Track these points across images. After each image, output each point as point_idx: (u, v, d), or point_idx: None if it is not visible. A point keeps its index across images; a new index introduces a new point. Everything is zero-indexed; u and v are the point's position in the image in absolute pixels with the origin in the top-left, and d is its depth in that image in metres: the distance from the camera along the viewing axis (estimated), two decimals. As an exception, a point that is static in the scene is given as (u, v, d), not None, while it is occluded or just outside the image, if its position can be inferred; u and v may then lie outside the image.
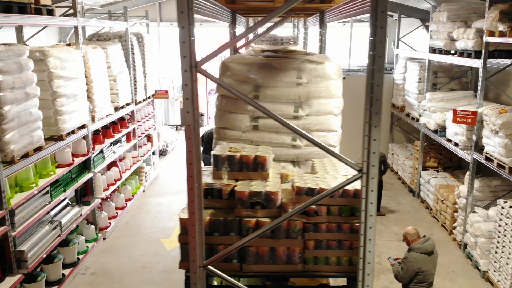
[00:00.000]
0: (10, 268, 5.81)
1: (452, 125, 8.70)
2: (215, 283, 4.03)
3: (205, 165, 10.95)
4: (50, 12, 6.69)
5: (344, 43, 15.89)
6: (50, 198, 6.71)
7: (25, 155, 5.97)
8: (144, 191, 11.44)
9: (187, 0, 2.32)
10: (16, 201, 5.81)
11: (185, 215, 2.88)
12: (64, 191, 7.19)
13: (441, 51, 9.71)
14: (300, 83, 3.86)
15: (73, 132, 7.33)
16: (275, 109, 3.95)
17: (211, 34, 19.37)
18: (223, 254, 2.70)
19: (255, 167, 3.02)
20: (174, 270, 7.67)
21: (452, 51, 9.25)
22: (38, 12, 6.32)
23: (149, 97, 12.11)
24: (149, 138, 12.26)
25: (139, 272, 7.63)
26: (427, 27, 10.98)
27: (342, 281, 3.03)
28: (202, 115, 20.04)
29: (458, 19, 9.23)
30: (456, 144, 8.65)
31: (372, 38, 2.30)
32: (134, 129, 10.74)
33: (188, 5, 2.34)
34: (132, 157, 10.63)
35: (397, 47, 12.96)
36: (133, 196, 10.52)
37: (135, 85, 10.75)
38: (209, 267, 2.70)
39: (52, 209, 6.84)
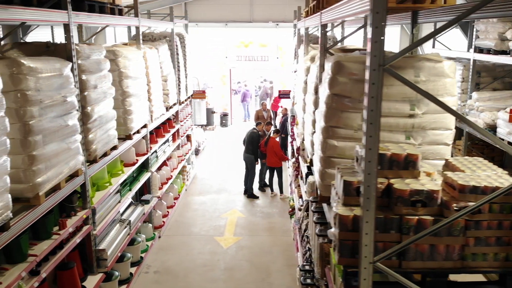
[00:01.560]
0: (90, 267, 5.85)
1: (506, 124, 8.69)
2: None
3: (246, 165, 10.98)
4: (120, 12, 6.74)
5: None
6: (120, 197, 6.76)
7: (104, 154, 6.02)
8: (186, 190, 11.48)
9: (382, 2, 2.36)
10: (96, 200, 5.86)
11: (345, 212, 2.90)
12: (130, 190, 7.23)
13: (489, 51, 9.70)
14: (418, 81, 3.87)
15: (137, 131, 7.37)
16: (390, 107, 3.97)
17: (233, 34, 19.44)
18: (394, 251, 2.73)
19: (406, 165, 3.05)
20: (236, 268, 7.72)
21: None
22: (112, 11, 6.37)
23: (188, 98, 12.15)
24: (188, 138, 12.31)
25: (201, 270, 7.67)
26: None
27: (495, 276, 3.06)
28: (226, 115, 20.09)
29: (508, 20, 9.21)
30: (510, 143, 8.64)
31: None
32: (178, 129, 10.79)
33: (383, 6, 2.37)
34: (178, 157, 10.67)
35: (433, 46, 12.95)
36: (179, 195, 10.57)
37: (179, 85, 10.79)
38: (378, 263, 2.73)
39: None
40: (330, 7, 4.10)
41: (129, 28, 10.82)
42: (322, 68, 5.07)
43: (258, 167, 11.56)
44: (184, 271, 7.63)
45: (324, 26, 5.05)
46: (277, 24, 18.81)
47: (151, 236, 8.34)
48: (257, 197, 11.05)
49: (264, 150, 11.12)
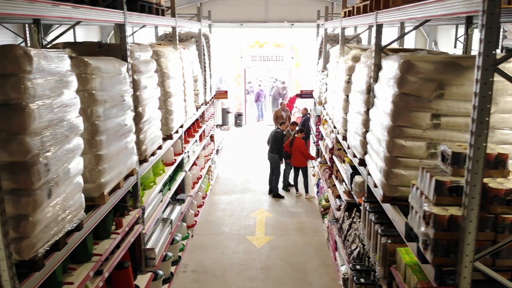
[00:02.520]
0: (139, 266, 5.87)
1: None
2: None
3: (271, 164, 10.98)
4: (163, 12, 6.76)
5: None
6: (162, 196, 6.79)
7: (152, 154, 6.04)
8: (211, 189, 11.50)
9: (497, 2, 2.38)
10: (145, 200, 5.88)
11: (440, 211, 2.92)
12: (169, 189, 7.26)
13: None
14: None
15: (176, 131, 7.39)
16: (459, 107, 3.99)
17: (248, 34, 19.47)
18: (494, 249, 2.75)
19: (496, 164, 3.06)
20: (272, 267, 7.74)
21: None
22: (157, 12, 6.39)
23: (211, 98, 12.17)
24: (211, 138, 12.34)
25: (237, 269, 7.69)
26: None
27: None
28: (240, 114, 20.12)
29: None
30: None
31: None
32: (204, 129, 10.81)
33: (497, 7, 2.39)
34: (204, 156, 10.70)
35: (455, 47, 12.97)
36: (206, 194, 10.59)
37: (205, 85, 10.81)
38: (477, 262, 2.75)
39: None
40: (402, 5, 4.11)
41: (155, 28, 10.84)
42: (377, 67, 5.09)
43: (282, 167, 11.58)
44: (221, 270, 7.65)
45: (379, 26, 5.06)
46: (292, 24, 18.86)
47: (185, 235, 8.36)
48: (282, 197, 11.07)
49: (289, 150, 11.13)
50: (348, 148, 6.42)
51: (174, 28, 7.79)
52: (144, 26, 8.29)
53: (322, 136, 10.73)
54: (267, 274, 7.55)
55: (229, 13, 18.30)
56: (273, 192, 11.17)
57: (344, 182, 7.26)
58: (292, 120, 15.19)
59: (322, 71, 10.17)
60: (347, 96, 6.73)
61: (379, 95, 4.83)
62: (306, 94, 12.80)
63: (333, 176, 8.18)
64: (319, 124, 10.88)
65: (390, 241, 4.38)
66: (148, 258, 5.97)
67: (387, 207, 4.49)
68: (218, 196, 11.20)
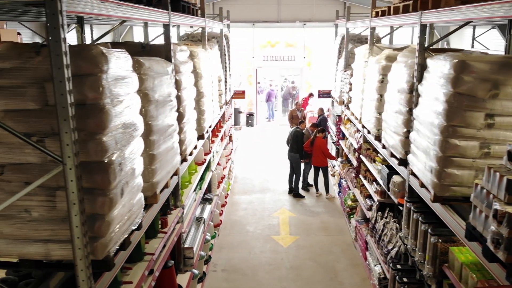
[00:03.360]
0: (178, 266, 5.89)
1: None
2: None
3: (290, 163, 10.93)
4: (196, 13, 6.78)
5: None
6: (195, 195, 6.81)
7: (190, 154, 6.07)
8: (231, 189, 11.53)
9: None
10: (184, 199, 5.91)
11: (516, 210, 2.93)
12: (200, 188, 7.28)
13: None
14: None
15: (206, 131, 7.41)
16: (509, 106, 4.01)
17: (260, 34, 19.49)
18: None
19: None
20: (301, 267, 7.77)
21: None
22: (194, 12, 6.41)
23: (230, 98, 12.19)
24: (230, 137, 12.36)
25: (267, 268, 7.71)
26: (500, 27, 11.05)
27: None
28: (252, 114, 20.14)
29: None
30: None
31: None
32: (224, 129, 10.83)
33: None
34: (225, 156, 10.72)
35: (472, 47, 12.97)
36: (227, 194, 10.61)
37: (225, 85, 10.83)
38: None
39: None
40: (455, 6, 4.12)
41: (177, 27, 10.86)
42: (420, 67, 5.10)
43: (302, 166, 11.60)
44: (251, 269, 7.67)
45: (424, 26, 5.08)
46: (304, 24, 18.86)
47: (213, 234, 8.38)
48: (303, 197, 11.09)
49: (309, 150, 11.14)
50: (383, 148, 6.42)
51: (203, 28, 7.81)
52: (178, 26, 8.30)
53: (343, 136, 10.75)
54: (297, 273, 7.56)
55: (242, 13, 18.30)
56: (294, 192, 11.19)
57: (374, 182, 7.28)
58: (305, 120, 15.25)
59: (345, 71, 10.18)
60: (381, 95, 6.74)
61: (425, 94, 4.84)
62: (323, 94, 12.83)
63: (360, 176, 8.19)
64: (340, 123, 10.90)
65: (440, 241, 4.40)
66: (187, 257, 5.99)
67: (436, 207, 4.50)
68: (239, 196, 11.22)
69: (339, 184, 10.62)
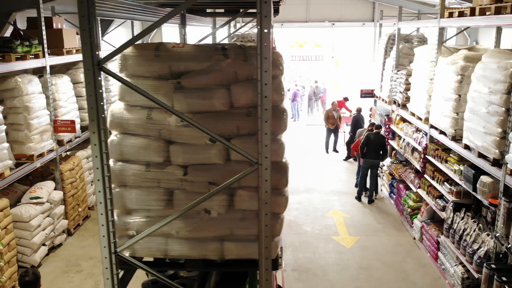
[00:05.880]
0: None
1: None
2: None
3: (366, 170, 10.53)
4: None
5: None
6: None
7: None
8: (277, 189, 11.52)
9: None
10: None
11: None
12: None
13: None
14: None
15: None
16: None
17: (288, 34, 19.49)
18: None
19: None
20: (370, 267, 7.78)
21: None
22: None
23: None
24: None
25: (336, 269, 7.73)
26: None
27: None
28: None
29: None
30: None
31: None
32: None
33: None
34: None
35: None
36: (278, 194, 10.61)
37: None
38: None
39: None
40: None
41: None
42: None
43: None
44: (321, 269, 7.69)
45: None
46: (333, 24, 18.87)
47: (277, 235, 8.40)
48: (373, 201, 10.81)
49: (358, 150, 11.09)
50: (465, 148, 6.43)
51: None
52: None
53: (393, 135, 10.76)
54: (368, 274, 7.58)
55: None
56: (369, 199, 10.75)
57: (445, 183, 7.28)
58: (340, 120, 15.24)
59: (398, 70, 10.20)
60: (459, 95, 6.76)
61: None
62: (366, 94, 12.85)
63: (426, 176, 8.20)
64: (389, 123, 10.91)
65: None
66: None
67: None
68: (287, 196, 11.21)
69: (391, 185, 10.61)
